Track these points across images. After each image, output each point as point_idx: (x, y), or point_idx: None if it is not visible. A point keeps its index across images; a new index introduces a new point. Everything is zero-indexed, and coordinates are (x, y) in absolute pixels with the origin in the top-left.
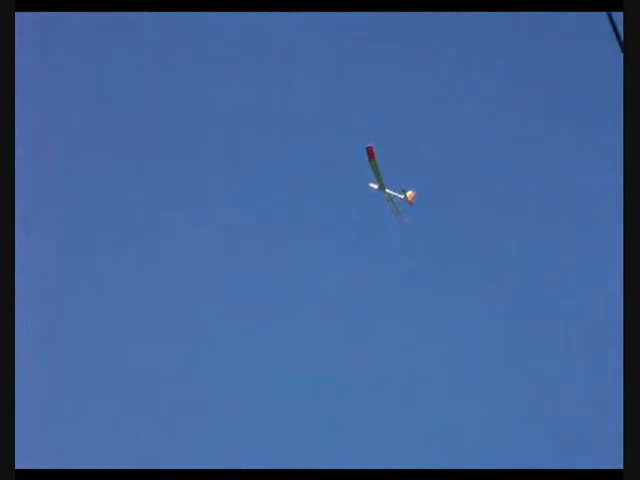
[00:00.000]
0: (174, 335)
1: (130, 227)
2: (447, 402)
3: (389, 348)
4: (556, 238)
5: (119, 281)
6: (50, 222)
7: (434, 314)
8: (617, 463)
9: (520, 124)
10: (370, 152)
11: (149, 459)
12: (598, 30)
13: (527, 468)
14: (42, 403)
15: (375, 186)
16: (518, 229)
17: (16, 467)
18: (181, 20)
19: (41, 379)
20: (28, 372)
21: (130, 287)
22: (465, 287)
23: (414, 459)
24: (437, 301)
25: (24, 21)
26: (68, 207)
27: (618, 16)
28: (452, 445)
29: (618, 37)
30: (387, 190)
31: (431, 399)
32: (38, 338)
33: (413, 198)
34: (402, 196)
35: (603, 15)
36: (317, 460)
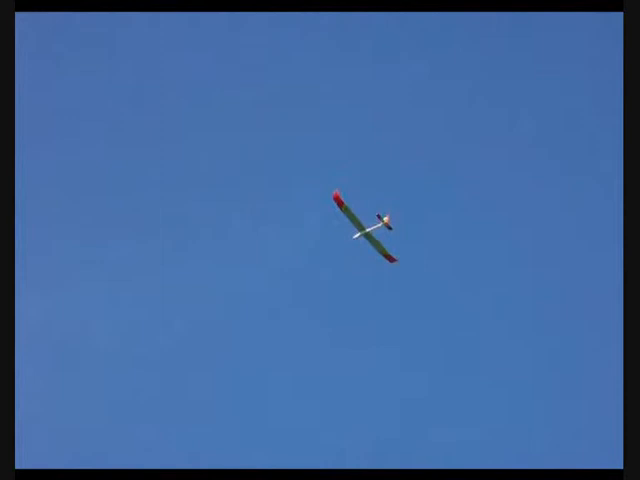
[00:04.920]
0: (175, 333)
1: None
2: (448, 403)
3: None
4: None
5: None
6: None
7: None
8: (617, 463)
9: (518, 125)
10: (337, 200)
11: (149, 459)
12: (598, 30)
13: (527, 468)
14: (42, 403)
15: (358, 234)
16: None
17: (16, 467)
18: (181, 20)
19: (41, 378)
20: (28, 372)
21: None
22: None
23: (414, 459)
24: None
25: (24, 21)
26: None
27: (618, 16)
28: (453, 445)
29: None
30: (367, 230)
31: (431, 399)
32: (37, 337)
33: (390, 220)
34: (380, 223)
35: (603, 15)
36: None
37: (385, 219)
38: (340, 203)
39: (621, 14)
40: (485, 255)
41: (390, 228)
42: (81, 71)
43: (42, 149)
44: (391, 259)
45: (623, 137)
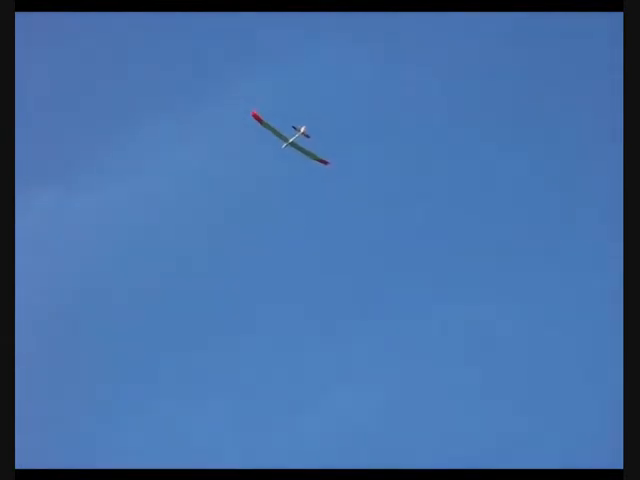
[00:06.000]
0: (173, 335)
1: None
2: (449, 404)
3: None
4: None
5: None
6: None
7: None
8: (617, 463)
9: (515, 124)
10: (256, 117)
11: (149, 459)
12: (598, 30)
13: (528, 468)
14: (42, 403)
15: (285, 144)
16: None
17: (16, 467)
18: (181, 20)
19: (41, 379)
20: (28, 372)
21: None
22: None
23: (414, 458)
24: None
25: (24, 21)
26: None
27: (618, 16)
28: (453, 445)
29: None
30: (291, 140)
31: (431, 399)
32: (38, 337)
33: (306, 130)
34: (298, 134)
35: (603, 15)
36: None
37: (302, 129)
38: (259, 119)
39: (621, 14)
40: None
41: (308, 136)
42: (81, 71)
43: (42, 148)
44: (324, 162)
45: (623, 137)
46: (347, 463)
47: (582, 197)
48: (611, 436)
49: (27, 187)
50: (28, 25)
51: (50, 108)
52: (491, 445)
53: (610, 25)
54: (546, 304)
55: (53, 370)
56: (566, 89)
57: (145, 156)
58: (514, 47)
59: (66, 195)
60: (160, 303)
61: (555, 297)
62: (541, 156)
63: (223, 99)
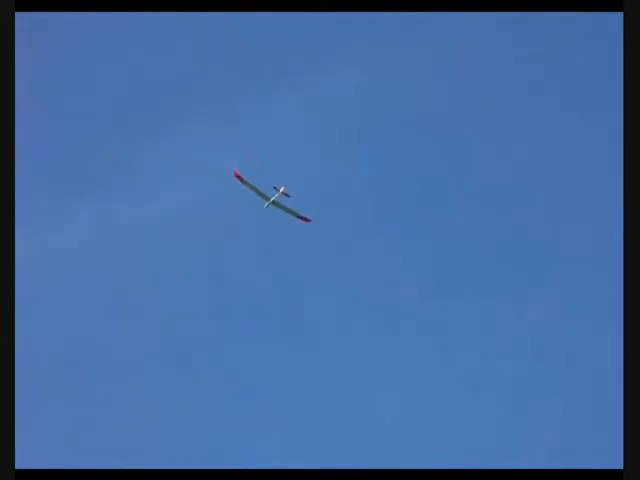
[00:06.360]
0: (176, 336)
1: None
2: (450, 404)
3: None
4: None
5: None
6: None
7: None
8: (617, 463)
9: (516, 122)
10: (237, 176)
11: (149, 459)
12: (598, 30)
13: (527, 468)
14: (42, 403)
15: (267, 203)
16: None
17: (16, 467)
18: (182, 20)
19: (41, 379)
20: (28, 372)
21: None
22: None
23: (417, 458)
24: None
25: (24, 21)
26: None
27: (618, 16)
28: (454, 445)
29: None
30: (273, 199)
31: (431, 399)
32: (38, 336)
33: (286, 189)
34: (279, 193)
35: (603, 15)
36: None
37: (281, 189)
38: (240, 179)
39: (621, 14)
40: None
41: (288, 195)
42: (81, 71)
43: (42, 148)
44: (305, 219)
45: (623, 137)
46: (347, 463)
47: (582, 196)
48: (611, 436)
49: (27, 188)
50: (28, 25)
51: (49, 108)
52: (490, 445)
53: (610, 25)
54: (546, 303)
55: (53, 370)
56: (566, 89)
57: (145, 156)
58: (514, 47)
59: (59, 198)
60: (161, 303)
61: (555, 297)
62: (540, 156)
63: (228, 113)
